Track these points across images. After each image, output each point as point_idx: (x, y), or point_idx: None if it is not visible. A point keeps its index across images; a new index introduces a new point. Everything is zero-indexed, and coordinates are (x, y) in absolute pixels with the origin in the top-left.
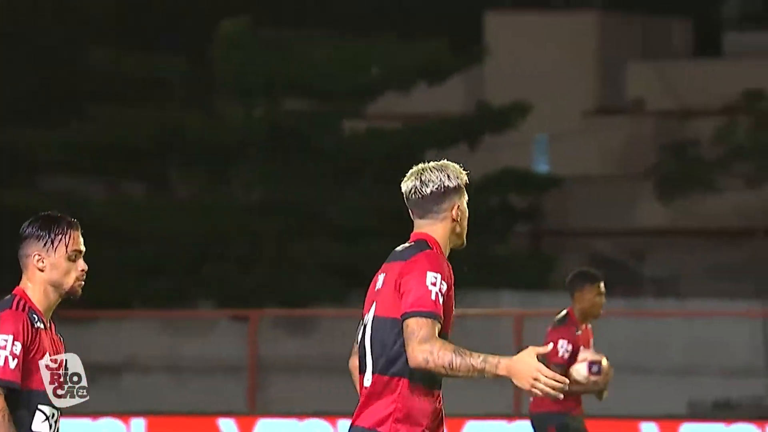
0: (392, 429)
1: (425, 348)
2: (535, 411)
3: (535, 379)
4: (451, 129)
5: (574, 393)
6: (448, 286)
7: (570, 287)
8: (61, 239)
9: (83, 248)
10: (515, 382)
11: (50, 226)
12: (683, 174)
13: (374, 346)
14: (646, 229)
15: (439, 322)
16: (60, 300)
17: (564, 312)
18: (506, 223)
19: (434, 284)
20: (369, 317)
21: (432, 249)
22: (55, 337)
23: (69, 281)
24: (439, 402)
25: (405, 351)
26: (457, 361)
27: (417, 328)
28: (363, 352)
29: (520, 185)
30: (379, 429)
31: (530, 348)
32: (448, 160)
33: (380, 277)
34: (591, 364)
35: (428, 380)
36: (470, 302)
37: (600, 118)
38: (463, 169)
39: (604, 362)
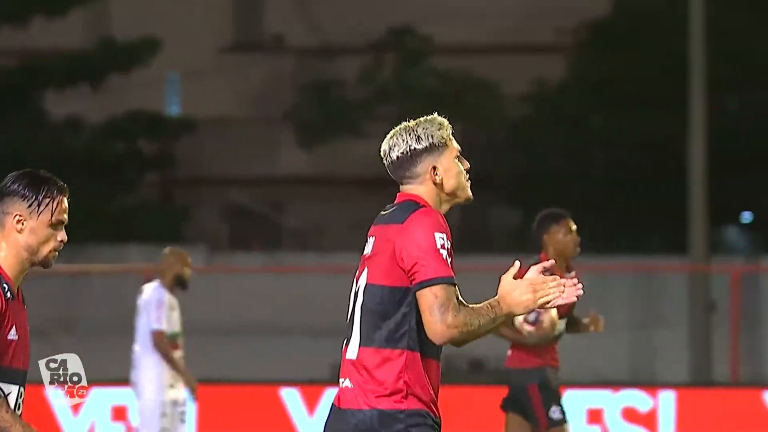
0: (402, 405)
1: (459, 321)
2: (512, 366)
3: (535, 292)
4: (71, 67)
5: (505, 338)
6: (451, 246)
7: (537, 234)
8: (48, 204)
9: (67, 219)
10: (517, 312)
11: (40, 187)
12: (326, 117)
13: (366, 316)
14: (286, 177)
15: (456, 285)
16: (30, 268)
17: (535, 258)
18: (135, 170)
19: (443, 246)
20: (360, 285)
21: (425, 207)
22: (22, 306)
23: (44, 251)
24: (439, 373)
25: (424, 323)
26: (482, 321)
27: (445, 299)
28: (352, 322)
29: (150, 129)
30: (385, 408)
31: (504, 277)
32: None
33: (369, 241)
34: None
35: (435, 352)
36: (92, 257)
37: (236, 56)
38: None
39: (550, 315)
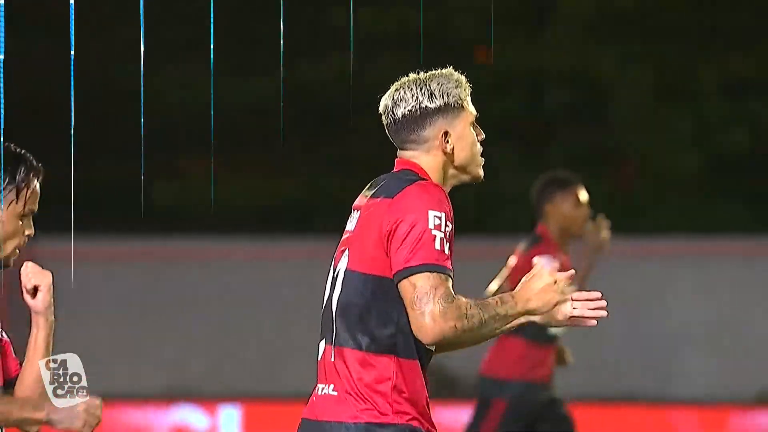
0: (390, 418)
1: (451, 313)
2: (486, 374)
3: (562, 293)
4: None
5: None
6: (452, 229)
7: (538, 203)
8: (24, 191)
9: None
10: (541, 314)
11: (17, 168)
12: None
13: (345, 311)
14: None
15: (451, 277)
16: None
17: (533, 234)
18: None
19: (438, 227)
20: (339, 269)
21: (426, 180)
22: None
23: (8, 248)
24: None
25: (410, 321)
26: (486, 316)
27: (428, 287)
28: (329, 314)
29: None
30: (370, 421)
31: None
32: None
33: (354, 216)
34: None
35: (425, 356)
36: None
37: None
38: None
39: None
